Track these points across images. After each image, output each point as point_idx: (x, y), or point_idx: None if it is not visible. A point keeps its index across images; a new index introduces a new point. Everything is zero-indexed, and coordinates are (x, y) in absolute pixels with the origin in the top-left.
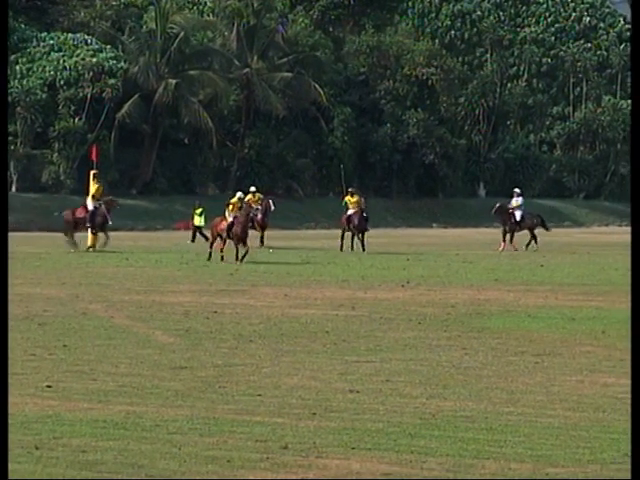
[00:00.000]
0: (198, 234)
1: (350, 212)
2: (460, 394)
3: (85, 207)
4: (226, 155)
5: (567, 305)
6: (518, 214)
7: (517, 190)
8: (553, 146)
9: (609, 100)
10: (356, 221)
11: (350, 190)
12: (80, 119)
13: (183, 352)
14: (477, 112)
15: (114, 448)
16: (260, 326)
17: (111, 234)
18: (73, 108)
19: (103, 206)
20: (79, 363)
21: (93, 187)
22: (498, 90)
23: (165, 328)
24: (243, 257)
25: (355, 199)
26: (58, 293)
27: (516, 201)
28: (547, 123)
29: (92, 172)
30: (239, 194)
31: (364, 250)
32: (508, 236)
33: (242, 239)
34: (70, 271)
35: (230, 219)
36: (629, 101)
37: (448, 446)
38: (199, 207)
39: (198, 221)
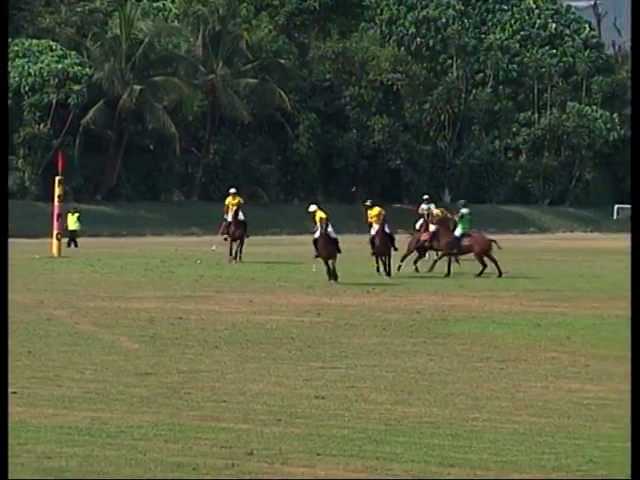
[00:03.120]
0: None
1: (373, 231)
2: (425, 400)
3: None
4: (191, 161)
5: (532, 311)
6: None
7: (426, 196)
8: (518, 152)
9: (574, 106)
10: (377, 242)
11: (368, 203)
12: (45, 125)
13: (148, 358)
14: (442, 118)
15: (79, 454)
16: (225, 332)
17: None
18: (38, 114)
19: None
20: (44, 369)
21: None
22: (463, 96)
23: (130, 334)
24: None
25: (376, 212)
26: (23, 299)
27: (427, 208)
28: (512, 129)
29: (57, 178)
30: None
31: (388, 275)
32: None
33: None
34: (35, 277)
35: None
36: (594, 107)
37: (413, 452)
38: (75, 212)
39: (73, 226)
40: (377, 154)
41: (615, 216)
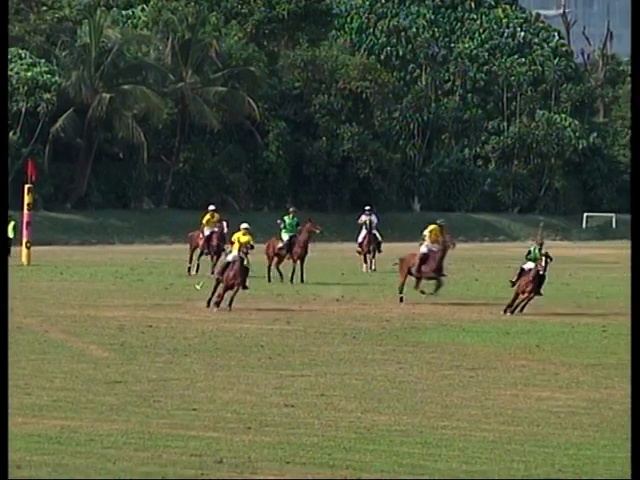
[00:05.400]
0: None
1: (424, 249)
2: (395, 408)
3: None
4: (161, 169)
5: (501, 319)
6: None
7: (367, 207)
8: (487, 160)
9: (543, 114)
10: (429, 266)
11: (438, 223)
12: (14, 133)
13: (118, 366)
14: (412, 127)
15: (49, 463)
16: (195, 340)
17: (45, 248)
18: (7, 122)
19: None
20: (13, 377)
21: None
22: (433, 105)
23: (100, 342)
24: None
25: (432, 229)
26: None
27: (369, 219)
28: (482, 138)
29: (27, 186)
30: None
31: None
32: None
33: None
34: None
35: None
36: (563, 115)
37: (383, 460)
38: (11, 219)
39: (9, 233)
40: (346, 162)
41: (584, 224)
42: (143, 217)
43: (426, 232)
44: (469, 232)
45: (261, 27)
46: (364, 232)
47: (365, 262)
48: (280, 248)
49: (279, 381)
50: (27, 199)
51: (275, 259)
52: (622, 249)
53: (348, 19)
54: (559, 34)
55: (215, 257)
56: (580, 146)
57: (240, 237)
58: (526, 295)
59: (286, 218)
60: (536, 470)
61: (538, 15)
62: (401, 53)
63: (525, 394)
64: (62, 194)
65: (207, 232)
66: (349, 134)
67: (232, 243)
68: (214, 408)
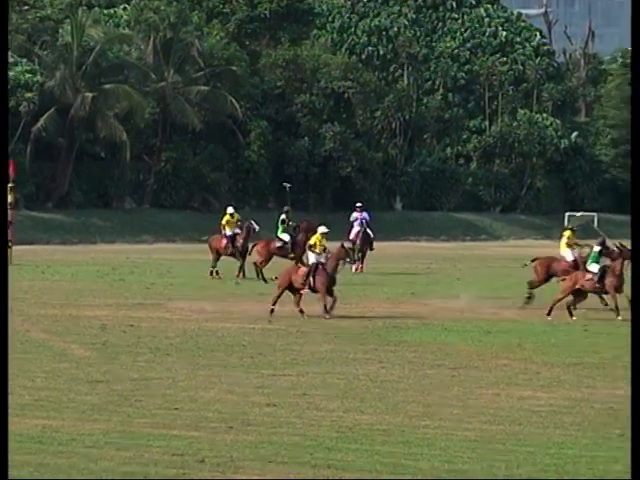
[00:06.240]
0: None
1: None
2: (377, 407)
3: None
4: (142, 169)
5: (483, 318)
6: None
7: (359, 204)
8: (469, 159)
9: (525, 114)
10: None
11: (570, 228)
12: None
13: (99, 366)
14: (393, 126)
15: (31, 463)
16: (177, 340)
17: (27, 248)
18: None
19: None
20: None
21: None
22: (414, 104)
23: (81, 342)
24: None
25: (569, 235)
26: None
27: (361, 216)
28: (463, 137)
29: (8, 185)
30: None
31: None
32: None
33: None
34: None
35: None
36: (545, 115)
37: (365, 460)
38: None
39: None
40: (328, 162)
41: (566, 224)
42: (125, 216)
43: (564, 240)
44: (451, 231)
45: (243, 26)
46: (356, 229)
47: (355, 261)
48: (279, 247)
49: (261, 380)
50: (9, 198)
51: (262, 260)
52: None
53: (330, 18)
54: (541, 33)
55: (241, 258)
56: (562, 145)
57: (319, 240)
58: (613, 294)
59: (284, 217)
60: (518, 469)
61: (520, 14)
62: (383, 52)
63: (507, 393)
64: (44, 193)
65: (229, 233)
66: (331, 133)
67: (310, 247)
68: (196, 407)
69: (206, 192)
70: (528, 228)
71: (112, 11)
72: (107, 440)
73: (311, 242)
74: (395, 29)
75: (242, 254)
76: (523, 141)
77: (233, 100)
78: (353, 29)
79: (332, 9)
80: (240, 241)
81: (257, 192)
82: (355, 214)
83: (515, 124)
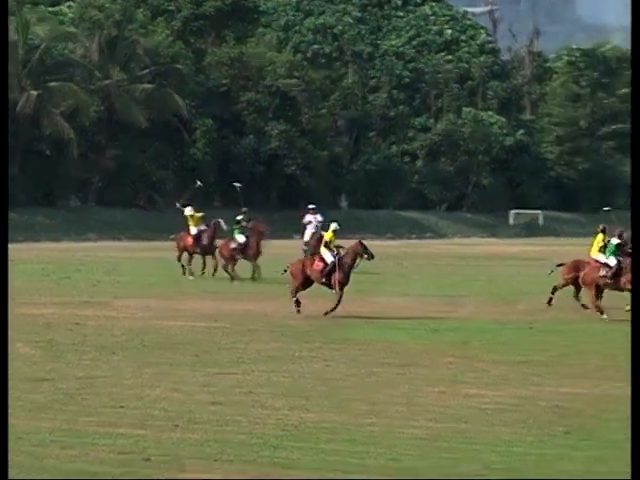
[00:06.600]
0: None
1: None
2: (322, 405)
3: None
4: (87, 166)
5: (430, 316)
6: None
7: (311, 206)
8: (415, 157)
9: (470, 112)
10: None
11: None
12: None
13: (45, 364)
14: (339, 124)
15: None
16: (122, 338)
17: None
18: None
19: None
20: None
21: None
22: (360, 102)
23: (26, 340)
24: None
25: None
26: None
27: (315, 218)
28: (409, 134)
29: None
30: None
31: None
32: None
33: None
34: None
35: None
36: (490, 112)
37: (310, 458)
38: None
39: None
40: (274, 160)
41: (511, 221)
42: (70, 215)
43: (596, 245)
44: (396, 229)
45: (188, 24)
46: (310, 231)
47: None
48: (234, 249)
49: (207, 379)
50: None
51: (229, 259)
52: (549, 246)
53: (275, 16)
54: (486, 31)
55: (210, 256)
56: (507, 143)
57: (331, 238)
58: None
59: (240, 217)
60: (465, 467)
61: (465, 12)
62: (328, 51)
63: (453, 391)
64: None
65: (194, 231)
66: (276, 131)
67: (326, 243)
68: (141, 406)
69: (151, 190)
70: (474, 226)
71: (57, 9)
72: (52, 438)
73: (326, 239)
74: (340, 27)
75: (210, 252)
76: (468, 139)
77: (178, 98)
78: (298, 27)
79: (277, 7)
80: (206, 239)
81: (202, 190)
82: (308, 217)
83: (460, 122)
